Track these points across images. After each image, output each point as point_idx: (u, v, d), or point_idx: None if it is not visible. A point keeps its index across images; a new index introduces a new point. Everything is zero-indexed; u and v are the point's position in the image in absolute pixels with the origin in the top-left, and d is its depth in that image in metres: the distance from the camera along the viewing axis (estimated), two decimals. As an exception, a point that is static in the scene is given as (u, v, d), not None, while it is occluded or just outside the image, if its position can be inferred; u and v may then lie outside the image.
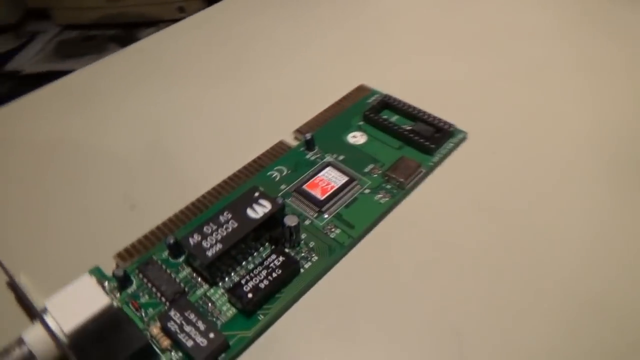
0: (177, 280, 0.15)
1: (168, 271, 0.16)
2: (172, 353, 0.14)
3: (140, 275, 0.16)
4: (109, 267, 0.16)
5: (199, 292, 0.15)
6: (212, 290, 0.15)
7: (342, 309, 0.15)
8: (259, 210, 0.16)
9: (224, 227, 0.16)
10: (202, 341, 0.13)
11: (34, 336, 0.13)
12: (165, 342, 0.14)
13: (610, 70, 0.23)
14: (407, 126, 0.20)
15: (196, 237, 0.15)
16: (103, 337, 0.13)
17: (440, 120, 0.20)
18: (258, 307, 0.15)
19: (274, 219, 0.16)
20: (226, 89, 0.24)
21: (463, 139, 0.20)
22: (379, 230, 0.17)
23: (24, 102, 0.24)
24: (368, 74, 0.24)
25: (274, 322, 0.15)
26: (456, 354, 0.14)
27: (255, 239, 0.16)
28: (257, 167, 0.19)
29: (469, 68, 0.24)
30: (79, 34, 0.95)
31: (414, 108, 0.21)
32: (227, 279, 0.16)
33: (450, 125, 0.20)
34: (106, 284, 0.15)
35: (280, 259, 0.15)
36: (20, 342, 0.13)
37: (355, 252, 0.17)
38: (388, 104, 0.21)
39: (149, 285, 0.15)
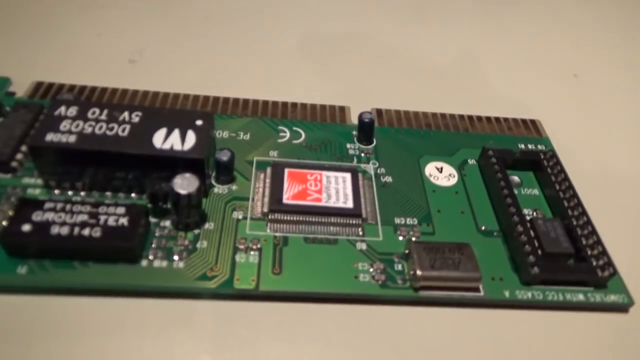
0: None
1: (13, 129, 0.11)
2: None
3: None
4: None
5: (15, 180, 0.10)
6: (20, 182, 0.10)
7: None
8: (177, 143, 0.10)
9: (112, 125, 0.10)
10: None
11: None
12: None
13: None
14: (535, 214, 0.11)
15: (66, 108, 0.10)
16: None
17: (599, 243, 0.10)
18: (32, 255, 0.09)
19: (186, 163, 0.09)
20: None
21: (617, 307, 0.10)
22: (318, 308, 0.09)
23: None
24: (549, 113, 0.14)
25: (34, 292, 0.09)
26: None
27: (129, 173, 0.10)
28: (284, 111, 0.13)
29: None
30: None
31: (574, 197, 0.11)
32: (58, 193, 0.10)
33: (612, 266, 0.10)
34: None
35: (127, 220, 0.09)
36: None
37: (246, 307, 0.09)
38: (541, 165, 0.12)
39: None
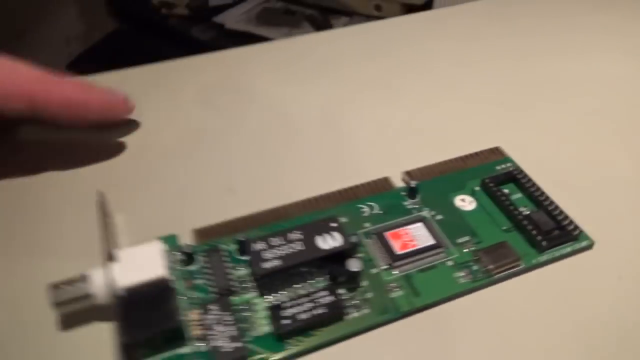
0: (232, 277, 0.16)
1: (228, 265, 0.16)
2: (198, 343, 0.14)
3: (204, 259, 0.16)
4: (185, 237, 0.17)
5: (247, 296, 0.16)
6: (257, 300, 0.16)
7: (368, 376, 0.14)
8: (329, 241, 0.16)
9: (290, 245, 0.16)
10: (226, 346, 0.14)
11: (97, 278, 0.15)
12: (197, 332, 0.15)
13: None
14: (526, 210, 0.18)
15: (260, 245, 0.16)
16: (147, 304, 0.14)
17: (567, 217, 0.18)
18: (289, 336, 0.15)
19: (339, 256, 0.16)
20: (362, 106, 0.24)
21: (586, 248, 0.17)
22: (444, 309, 0.16)
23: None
24: (508, 138, 0.21)
25: (298, 357, 0.15)
26: None
27: (318, 268, 0.16)
28: (352, 195, 0.19)
29: (631, 167, 0.21)
30: (282, 6, 1.03)
31: (542, 193, 0.18)
32: (274, 295, 0.16)
33: (577, 227, 0.17)
34: (175, 253, 0.17)
35: (330, 298, 0.15)
36: (84, 279, 0.15)
37: (408, 322, 0.15)
38: (515, 178, 0.19)
39: (208, 271, 0.16)
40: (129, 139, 0.22)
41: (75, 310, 0.15)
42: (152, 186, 0.20)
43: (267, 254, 0.15)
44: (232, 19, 1.00)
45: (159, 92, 0.25)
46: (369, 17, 0.98)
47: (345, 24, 1.00)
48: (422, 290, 0.16)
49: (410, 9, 0.94)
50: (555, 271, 0.17)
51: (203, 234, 0.17)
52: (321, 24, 0.97)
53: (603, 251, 0.17)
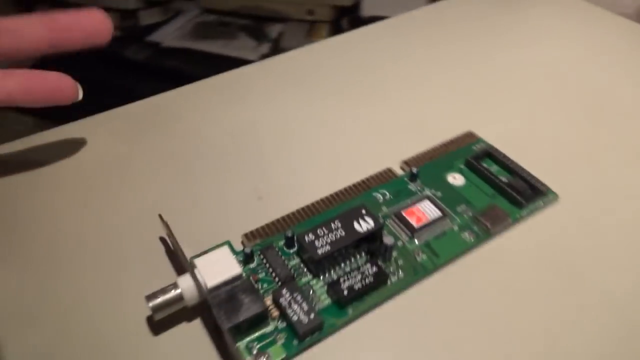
0: (289, 266, 0.19)
1: (282, 258, 0.20)
2: (278, 322, 0.18)
3: (261, 256, 0.20)
4: (236, 244, 0.20)
5: (304, 279, 0.19)
6: (314, 281, 0.19)
7: (414, 322, 0.18)
8: (364, 225, 0.20)
9: (334, 233, 0.19)
10: (304, 319, 0.17)
11: (185, 283, 0.17)
12: (275, 313, 0.18)
13: None
14: (504, 178, 0.23)
15: (311, 236, 0.19)
16: (233, 297, 0.17)
17: (536, 179, 0.22)
18: (349, 303, 0.18)
19: (374, 235, 0.19)
20: (351, 110, 0.28)
21: (553, 201, 0.22)
22: (460, 263, 0.20)
23: (183, 91, 0.30)
24: (478, 122, 0.26)
25: (357, 318, 0.18)
26: (505, 384, 0.16)
27: (355, 247, 0.20)
28: (365, 186, 0.23)
29: (576, 133, 0.26)
30: (215, 19, 1.05)
31: (514, 163, 0.23)
32: (327, 275, 0.19)
33: (545, 185, 0.22)
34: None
35: (374, 269, 0.19)
36: (175, 285, 0.17)
37: (435, 277, 0.19)
38: (491, 154, 0.24)
39: (267, 265, 0.19)
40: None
41: (169, 315, 0.18)
42: (191, 203, 0.23)
43: (318, 243, 0.19)
44: (167, 37, 1.00)
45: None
46: (302, 22, 1.02)
47: (280, 31, 1.03)
48: (440, 252, 0.20)
49: (341, 11, 0.99)
50: (536, 222, 0.22)
51: (250, 237, 0.21)
52: (257, 33, 1.00)
53: (566, 201, 0.22)
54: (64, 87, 0.22)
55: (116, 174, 0.24)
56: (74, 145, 0.26)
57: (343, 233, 0.19)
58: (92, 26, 0.22)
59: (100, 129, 0.27)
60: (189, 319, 0.18)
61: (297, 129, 0.27)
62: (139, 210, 0.22)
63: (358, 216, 0.20)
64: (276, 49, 0.96)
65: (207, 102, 0.29)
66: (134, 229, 0.21)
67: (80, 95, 0.23)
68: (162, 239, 0.21)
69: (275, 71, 0.31)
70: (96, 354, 0.17)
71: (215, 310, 0.17)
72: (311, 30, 1.02)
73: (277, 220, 0.21)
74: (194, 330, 0.18)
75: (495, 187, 0.22)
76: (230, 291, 0.18)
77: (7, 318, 0.18)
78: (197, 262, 0.18)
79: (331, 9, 0.97)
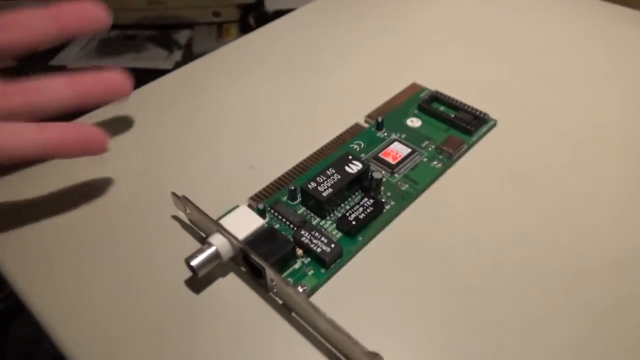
0: (299, 213, 0.22)
1: (291, 209, 0.22)
2: (304, 259, 0.21)
3: (272, 211, 0.22)
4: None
5: (314, 222, 0.22)
6: (322, 222, 0.22)
7: (412, 239, 0.22)
8: (354, 167, 0.23)
9: (331, 178, 0.22)
10: (326, 248, 0.20)
11: (217, 241, 0.20)
12: (299, 252, 0.21)
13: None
14: (452, 114, 0.27)
15: (313, 184, 0.22)
16: (265, 241, 0.20)
17: (477, 110, 0.27)
18: (358, 232, 0.21)
19: (364, 174, 0.23)
20: (307, 84, 0.31)
21: (494, 125, 0.27)
22: (435, 186, 0.24)
23: (164, 81, 0.31)
24: (420, 74, 0.30)
25: (367, 244, 0.21)
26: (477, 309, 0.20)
27: (349, 190, 0.23)
28: (340, 141, 0.26)
29: (502, 70, 0.31)
30: (119, 34, 1.03)
31: (457, 101, 0.28)
32: (332, 214, 0.22)
33: (485, 114, 0.27)
34: (248, 215, 0.22)
35: (371, 201, 0.22)
36: (209, 244, 0.20)
37: (419, 200, 0.23)
38: (437, 97, 0.28)
39: (279, 217, 0.22)
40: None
41: (208, 273, 0.20)
42: (196, 175, 0.25)
43: (320, 188, 0.22)
44: (71, 58, 0.97)
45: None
46: (210, 25, 1.03)
47: (189, 36, 1.03)
48: (418, 180, 0.24)
49: (246, 9, 1.01)
50: (484, 143, 0.26)
51: (256, 199, 0.23)
52: (165, 42, 0.99)
53: (504, 125, 0.27)
54: (96, 140, 0.22)
55: (104, 163, 0.25)
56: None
57: (339, 176, 0.22)
58: (113, 84, 0.23)
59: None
60: (224, 274, 0.21)
61: (267, 107, 0.29)
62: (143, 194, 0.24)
63: (347, 161, 0.23)
64: (189, 55, 0.97)
65: (179, 93, 0.30)
66: (147, 210, 0.23)
67: (108, 147, 0.23)
68: (174, 217, 0.23)
69: (217, 65, 0.34)
70: (155, 325, 0.19)
71: (255, 255, 0.19)
72: (220, 31, 1.03)
73: (275, 180, 0.24)
74: (230, 282, 0.20)
75: (447, 123, 0.27)
76: (261, 239, 0.20)
77: (68, 305, 0.19)
78: (223, 222, 0.20)
79: (236, 8, 0.99)
